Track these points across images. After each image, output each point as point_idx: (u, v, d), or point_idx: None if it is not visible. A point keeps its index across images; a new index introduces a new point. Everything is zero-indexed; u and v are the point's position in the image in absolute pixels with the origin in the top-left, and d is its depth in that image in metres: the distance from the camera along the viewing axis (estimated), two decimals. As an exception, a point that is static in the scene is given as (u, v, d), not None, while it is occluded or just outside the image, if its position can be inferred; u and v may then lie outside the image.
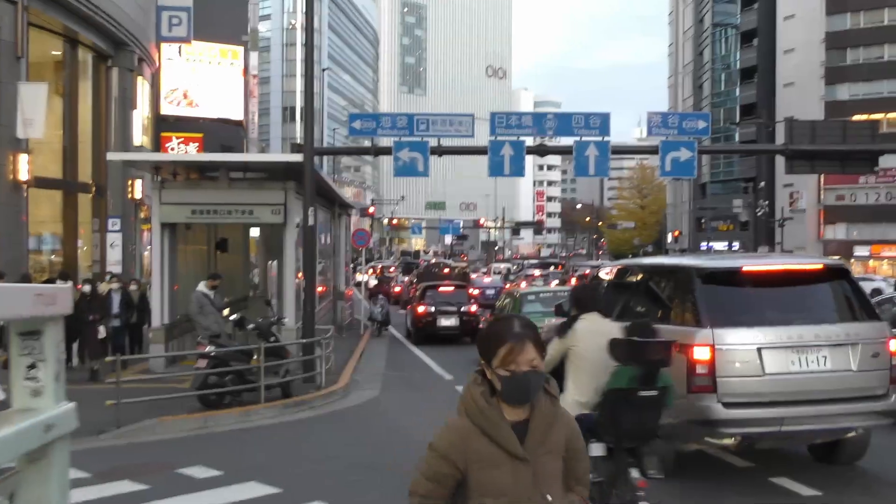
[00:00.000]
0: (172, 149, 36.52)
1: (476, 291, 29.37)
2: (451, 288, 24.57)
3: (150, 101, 36.29)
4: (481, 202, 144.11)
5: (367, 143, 27.91)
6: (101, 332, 15.34)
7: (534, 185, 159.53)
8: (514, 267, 61.92)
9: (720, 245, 68.15)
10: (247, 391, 12.51)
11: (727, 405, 7.08)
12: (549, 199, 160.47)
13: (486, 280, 39.44)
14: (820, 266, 7.78)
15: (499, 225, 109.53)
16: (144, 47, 31.91)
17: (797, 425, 7.15)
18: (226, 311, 16.30)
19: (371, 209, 71.03)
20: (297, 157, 15.65)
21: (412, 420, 12.03)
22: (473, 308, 23.42)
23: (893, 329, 8.55)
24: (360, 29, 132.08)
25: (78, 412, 2.14)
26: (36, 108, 23.36)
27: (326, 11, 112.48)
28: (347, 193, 52.93)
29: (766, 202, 56.23)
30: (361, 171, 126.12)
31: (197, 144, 36.47)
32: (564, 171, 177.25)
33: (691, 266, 7.83)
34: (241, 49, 44.45)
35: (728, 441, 7.26)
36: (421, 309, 23.12)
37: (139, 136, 31.40)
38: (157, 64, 36.81)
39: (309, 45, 15.73)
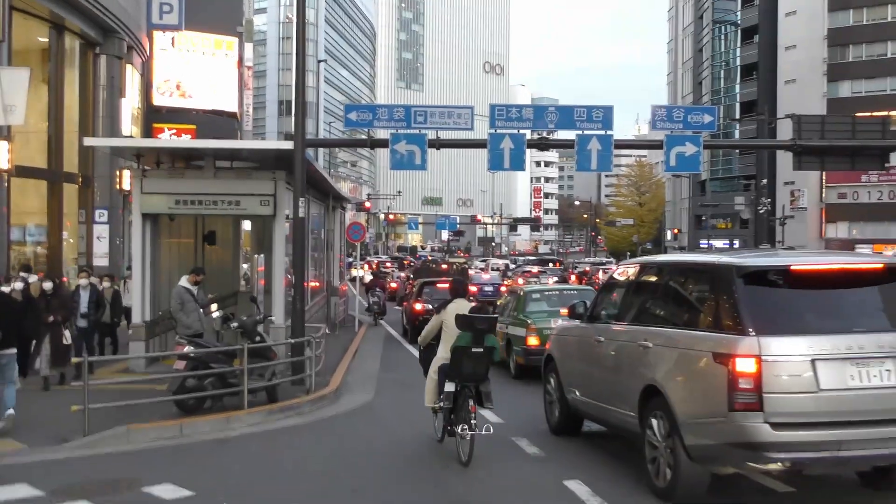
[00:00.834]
0: (162, 139, 35.52)
1: (474, 288, 28.38)
2: (450, 285, 23.54)
3: (140, 92, 35.33)
4: (478, 198, 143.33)
5: (363, 136, 27.13)
6: (67, 336, 13.31)
7: (531, 181, 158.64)
8: (512, 264, 60.95)
9: (720, 243, 67.38)
10: (228, 395, 11.52)
11: (775, 426, 6.11)
12: (547, 195, 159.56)
13: (485, 276, 38.40)
14: (880, 266, 6.78)
15: (496, 221, 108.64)
16: (134, 35, 30.95)
17: (857, 450, 6.18)
18: (214, 308, 15.33)
19: (367, 204, 69.96)
20: (287, 145, 14.63)
21: (407, 430, 11.05)
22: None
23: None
24: (357, 24, 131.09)
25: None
26: (17, 93, 22.29)
27: (323, 6, 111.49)
28: (344, 188, 51.96)
29: (769, 200, 55.44)
30: (358, 167, 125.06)
31: (190, 136, 35.50)
32: (562, 168, 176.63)
33: (731, 264, 6.84)
34: (235, 40, 43.51)
35: (774, 466, 6.26)
36: (418, 306, 22.14)
37: (128, 126, 30.40)
38: (149, 53, 35.91)
39: (300, 23, 14.72)
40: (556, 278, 41.30)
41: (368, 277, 44.05)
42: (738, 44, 78.03)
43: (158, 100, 37.50)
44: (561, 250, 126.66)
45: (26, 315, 11.46)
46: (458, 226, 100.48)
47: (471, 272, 39.69)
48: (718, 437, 6.43)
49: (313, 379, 13.23)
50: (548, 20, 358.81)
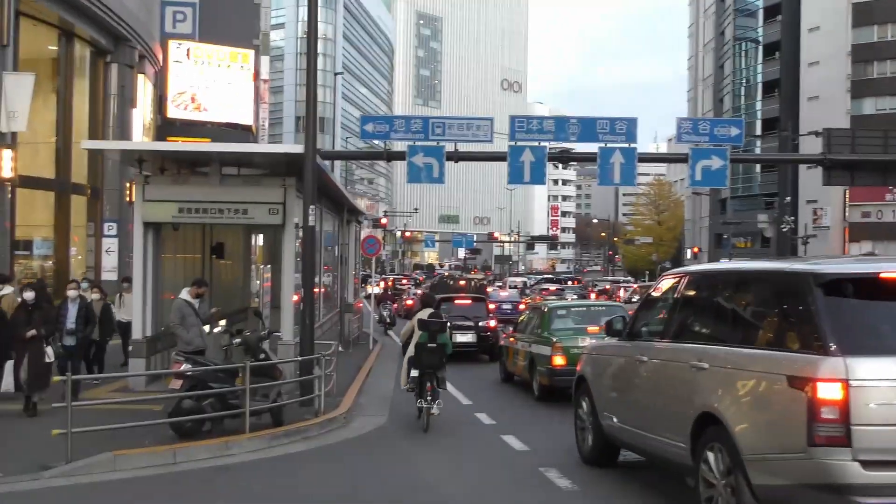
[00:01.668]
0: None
1: (492, 306, 27.36)
2: (468, 301, 22.55)
3: (153, 103, 34.71)
4: (495, 216, 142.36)
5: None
6: (49, 354, 11.81)
7: (548, 199, 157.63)
8: (530, 281, 59.89)
9: (742, 262, 65.96)
10: (230, 417, 10.55)
11: (866, 464, 5.11)
12: (564, 213, 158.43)
13: (503, 294, 37.32)
14: None
15: (513, 239, 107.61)
16: (146, 44, 30.32)
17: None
18: (222, 324, 14.44)
19: (384, 220, 69.08)
20: (297, 148, 13.70)
21: (423, 457, 10.08)
22: (492, 323, 21.39)
23: None
24: (375, 40, 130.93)
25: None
26: (20, 99, 21.60)
27: (341, 21, 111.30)
28: (360, 205, 51.12)
29: (792, 217, 54.30)
30: (375, 184, 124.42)
31: (203, 149, 34.81)
32: (579, 186, 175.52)
33: (808, 271, 5.82)
34: (251, 52, 42.96)
35: (863, 512, 5.22)
36: (435, 324, 21.14)
37: (139, 138, 29.73)
38: (162, 64, 35.31)
39: (312, 25, 13.83)
40: (574, 296, 40.19)
41: (378, 291, 43.41)
42: (760, 60, 76.94)
43: (173, 112, 36.94)
44: (578, 269, 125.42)
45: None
46: (474, 243, 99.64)
47: (488, 289, 38.63)
48: (793, 476, 5.42)
49: (322, 400, 12.26)
50: (565, 38, 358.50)
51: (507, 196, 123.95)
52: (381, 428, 12.02)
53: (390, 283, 47.53)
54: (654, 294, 8.45)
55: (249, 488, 8.54)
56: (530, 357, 14.73)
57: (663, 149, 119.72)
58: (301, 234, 13.70)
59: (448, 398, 15.09)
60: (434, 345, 11.88)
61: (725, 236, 73.96)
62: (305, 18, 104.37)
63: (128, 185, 26.27)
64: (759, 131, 72.24)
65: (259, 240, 21.17)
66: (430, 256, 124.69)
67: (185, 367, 10.54)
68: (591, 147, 26.25)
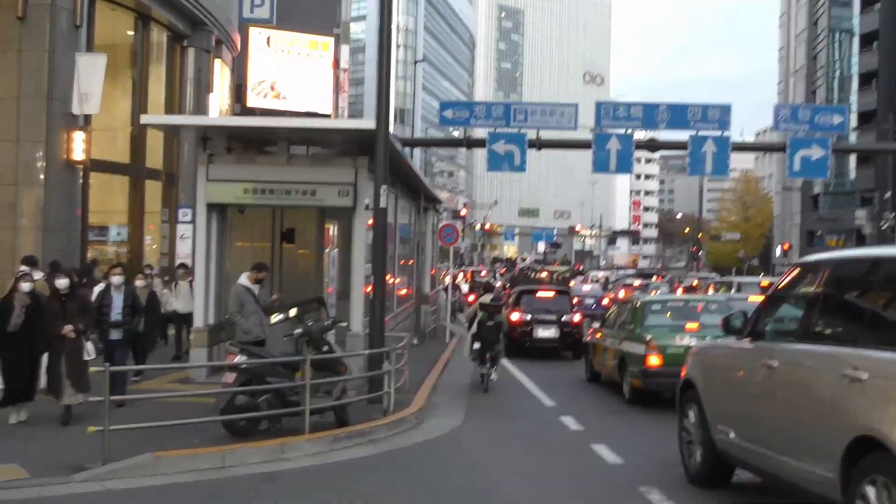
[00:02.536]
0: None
1: (575, 300, 26.01)
2: (551, 294, 21.22)
3: (231, 90, 34.33)
4: (576, 210, 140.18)
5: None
6: (89, 350, 10.05)
7: (630, 194, 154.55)
8: (613, 276, 58.15)
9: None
10: (288, 416, 9.50)
11: None
12: (646, 208, 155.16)
13: (585, 288, 35.83)
14: None
15: (594, 233, 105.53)
16: (224, 29, 29.79)
17: None
18: (293, 313, 13.47)
19: (463, 211, 67.88)
20: (369, 123, 12.59)
21: (504, 468, 8.83)
22: (577, 318, 20.03)
23: None
24: (457, 32, 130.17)
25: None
26: (93, 81, 21.02)
27: (423, 13, 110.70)
28: (440, 196, 50.22)
29: (893, 214, 51.40)
30: (455, 176, 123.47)
31: (284, 139, 34.40)
32: (662, 181, 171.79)
33: None
34: (331, 40, 42.42)
35: None
36: (515, 316, 19.85)
37: (215, 123, 29.21)
38: (241, 51, 34.94)
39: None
40: (658, 291, 38.46)
41: (465, 287, 42.52)
42: (856, 51, 73.51)
43: (253, 101, 36.67)
44: (659, 265, 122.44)
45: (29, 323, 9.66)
46: (554, 238, 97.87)
47: (570, 283, 37.20)
48: None
49: (392, 398, 11.15)
50: (648, 31, 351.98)
51: (588, 190, 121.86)
52: (455, 431, 10.82)
53: (469, 276, 46.61)
54: (784, 286, 7.03)
55: (307, 498, 7.45)
56: (620, 356, 13.36)
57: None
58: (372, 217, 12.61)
59: (530, 398, 13.91)
60: (492, 322, 14.49)
61: (818, 233, 70.98)
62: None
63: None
64: (854, 124, 69.00)
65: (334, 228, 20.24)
66: (509, 250, 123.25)
67: (238, 359, 9.51)
68: (681, 136, 24.92)
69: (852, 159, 68.36)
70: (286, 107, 37.38)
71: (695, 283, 46.93)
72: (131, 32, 25.46)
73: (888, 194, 51.37)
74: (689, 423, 7.96)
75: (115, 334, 11.05)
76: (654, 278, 54.43)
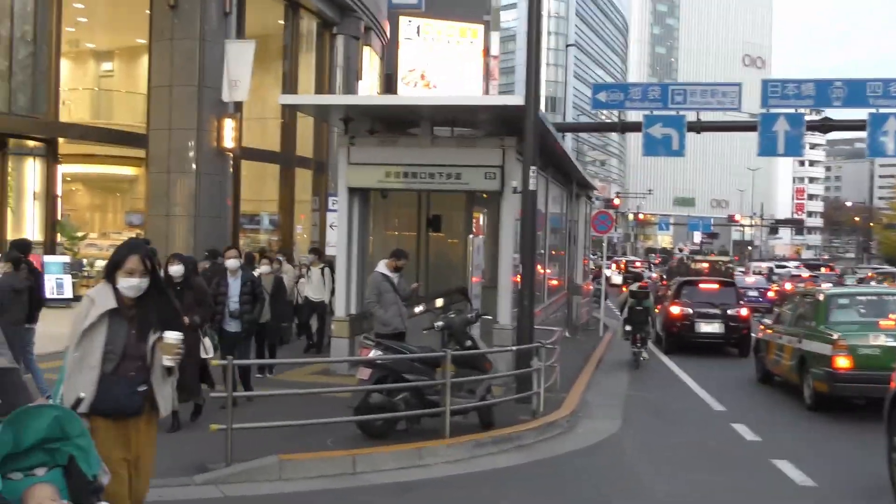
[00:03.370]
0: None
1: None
2: (715, 285, 19.61)
3: (380, 78, 34.16)
4: (734, 199, 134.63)
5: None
6: (206, 346, 8.62)
7: (793, 181, 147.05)
8: (777, 268, 54.99)
9: None
10: (427, 417, 8.66)
11: None
12: (811, 196, 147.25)
13: (749, 280, 33.68)
14: None
15: (754, 222, 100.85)
16: (373, 15, 29.52)
17: None
18: (439, 303, 12.68)
19: (616, 201, 65.97)
20: (517, 100, 11.58)
21: (670, 488, 7.65)
22: (744, 312, 18.41)
23: None
24: (610, 17, 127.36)
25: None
26: (242, 68, 20.93)
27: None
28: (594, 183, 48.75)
29: None
30: (607, 165, 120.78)
31: (433, 129, 34.28)
32: (828, 168, 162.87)
33: None
34: (480, 27, 41.85)
35: None
36: (676, 310, 18.42)
37: (365, 110, 28.98)
38: (390, 40, 34.81)
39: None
40: (829, 284, 35.77)
41: (617, 278, 41.02)
42: None
43: (403, 89, 36.86)
44: (826, 256, 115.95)
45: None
46: (711, 227, 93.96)
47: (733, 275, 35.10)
48: None
49: (542, 398, 10.15)
50: (811, 11, 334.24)
51: (747, 177, 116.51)
52: (613, 437, 9.69)
53: (623, 267, 45.10)
54: None
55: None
56: (800, 356, 11.83)
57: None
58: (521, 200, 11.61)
59: (695, 400, 12.61)
60: (640, 307, 16.18)
61: None
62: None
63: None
64: None
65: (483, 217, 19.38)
66: (663, 240, 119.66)
67: (373, 353, 8.73)
68: (857, 114, 22.89)
69: None
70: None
71: (869, 274, 43.68)
72: (281, 21, 25.46)
73: None
74: (901, 443, 6.62)
75: (234, 326, 9.92)
76: (823, 270, 51.21)
